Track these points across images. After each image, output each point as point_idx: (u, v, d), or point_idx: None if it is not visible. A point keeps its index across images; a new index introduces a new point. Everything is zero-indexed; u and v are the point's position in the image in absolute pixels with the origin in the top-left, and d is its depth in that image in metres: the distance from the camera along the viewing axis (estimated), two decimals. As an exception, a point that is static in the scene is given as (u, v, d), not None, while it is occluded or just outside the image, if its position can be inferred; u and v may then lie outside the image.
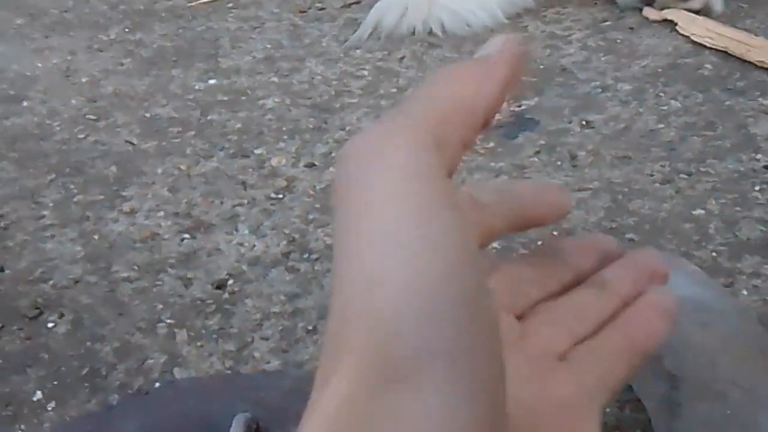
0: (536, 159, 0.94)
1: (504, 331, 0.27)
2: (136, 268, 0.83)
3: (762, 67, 1.06)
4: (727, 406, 0.57)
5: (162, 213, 0.90)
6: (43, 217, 0.91)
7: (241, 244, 0.85)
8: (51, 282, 0.82)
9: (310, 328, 0.75)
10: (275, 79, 1.13)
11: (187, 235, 0.87)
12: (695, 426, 0.56)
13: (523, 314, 0.33)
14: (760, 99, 1.00)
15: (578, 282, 0.35)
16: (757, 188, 0.87)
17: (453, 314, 0.23)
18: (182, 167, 0.97)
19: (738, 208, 0.84)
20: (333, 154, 0.97)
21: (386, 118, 0.28)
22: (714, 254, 0.79)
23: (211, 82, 1.14)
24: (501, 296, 0.32)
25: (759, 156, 0.91)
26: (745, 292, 0.75)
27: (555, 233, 0.83)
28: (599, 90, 1.05)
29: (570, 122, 0.99)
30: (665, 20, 1.16)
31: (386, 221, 0.24)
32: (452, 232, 0.24)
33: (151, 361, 0.73)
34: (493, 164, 0.93)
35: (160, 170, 0.97)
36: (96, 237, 0.87)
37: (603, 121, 0.99)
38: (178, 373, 0.71)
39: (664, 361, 0.60)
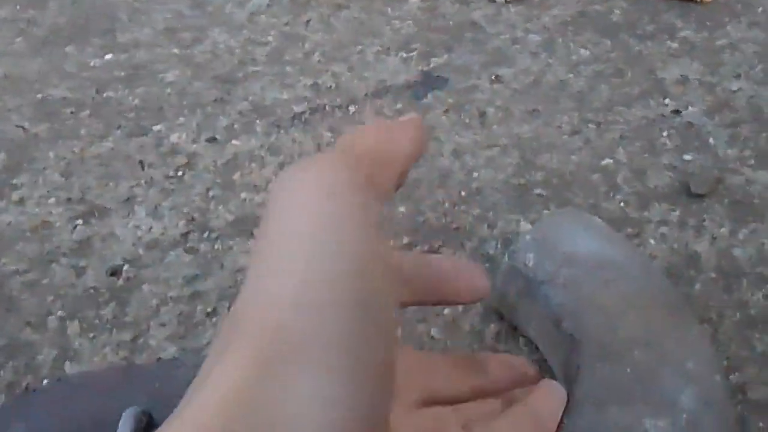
0: (445, 118, 0.91)
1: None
2: (25, 260, 0.78)
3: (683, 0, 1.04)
4: (627, 365, 0.55)
5: (53, 200, 0.85)
6: (-72, 212, 0.86)
7: (138, 227, 0.81)
8: (-65, 281, 0.78)
9: (210, 310, 0.71)
10: (176, 51, 1.08)
11: (80, 222, 0.82)
12: (595, 388, 0.55)
13: (424, 405, 0.35)
14: (668, 42, 0.98)
15: (487, 394, 0.38)
16: (665, 134, 0.85)
17: (346, 306, 0.24)
18: (75, 150, 0.92)
19: (646, 155, 0.83)
20: (235, 127, 0.93)
21: (309, 159, 0.30)
22: (622, 204, 0.77)
23: (108, 57, 1.08)
24: (414, 378, 0.35)
25: (667, 101, 0.89)
26: (652, 242, 0.74)
27: (463, 194, 0.80)
28: (509, 43, 1.02)
29: (480, 78, 0.97)
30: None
31: (298, 222, 0.26)
32: (359, 238, 0.26)
33: (40, 357, 0.69)
34: (400, 126, 0.90)
35: (52, 154, 0.92)
36: (-16, 230, 0.83)
37: (513, 76, 0.96)
38: (69, 368, 0.68)
39: (564, 323, 0.59)
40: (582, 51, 0.99)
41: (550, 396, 0.38)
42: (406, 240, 0.76)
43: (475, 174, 0.83)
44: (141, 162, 0.89)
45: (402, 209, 0.80)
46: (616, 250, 0.65)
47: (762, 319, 0.66)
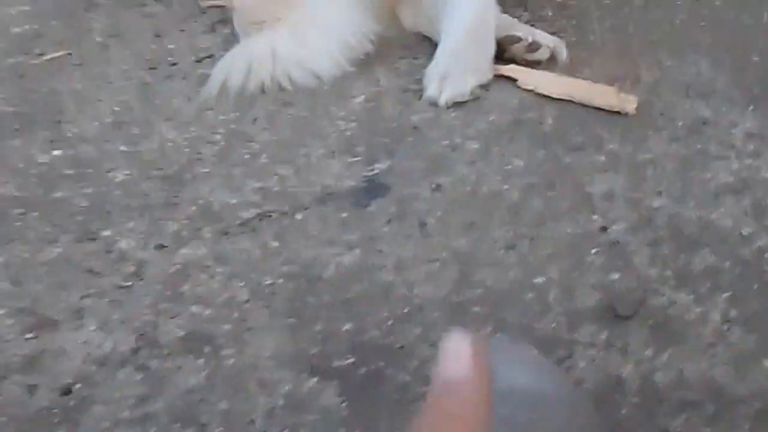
0: (387, 229, 0.95)
1: None
2: (-25, 377, 0.79)
3: (608, 111, 1.11)
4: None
5: (4, 311, 0.86)
6: None
7: (88, 343, 0.82)
8: None
9: (161, 434, 0.74)
10: (124, 148, 1.10)
11: (31, 335, 0.84)
12: None
13: None
14: (595, 156, 1.05)
15: None
16: (593, 251, 0.92)
17: None
18: (25, 255, 0.93)
19: (575, 273, 0.89)
20: (183, 234, 0.95)
21: None
22: (553, 325, 0.83)
23: (56, 153, 1.09)
24: None
25: (595, 216, 0.96)
26: (582, 364, 0.79)
27: (406, 310, 0.85)
28: (449, 149, 1.08)
29: (420, 187, 1.02)
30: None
31: None
32: None
33: (-8, 487, 0.70)
34: (345, 237, 0.94)
35: (1, 259, 0.93)
36: (-69, 343, 0.83)
37: (451, 184, 1.02)
38: (21, 498, 0.69)
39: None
40: (515, 161, 1.05)
41: None
42: (350, 359, 0.80)
43: (416, 290, 0.87)
44: (90, 270, 0.91)
45: (347, 327, 0.84)
46: (546, 382, 0.70)
47: (680, 443, 0.72)
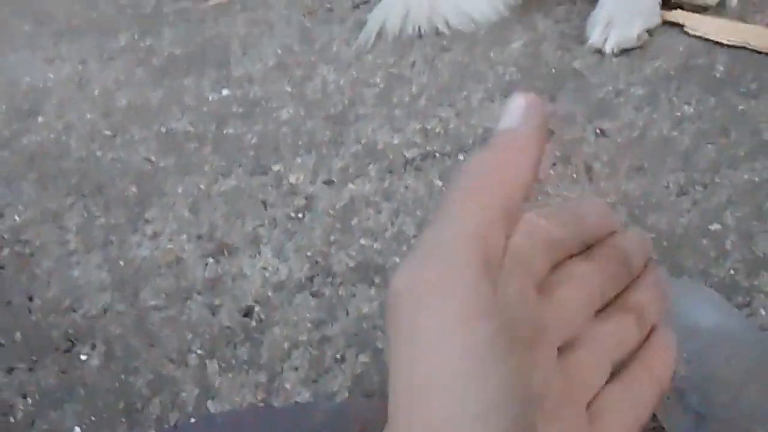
0: (552, 171, 0.94)
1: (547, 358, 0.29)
2: (163, 295, 0.84)
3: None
4: (751, 441, 0.59)
5: (185, 236, 0.91)
6: (68, 242, 0.93)
7: (265, 269, 0.86)
8: (81, 311, 0.84)
9: (339, 357, 0.76)
10: (288, 89, 1.13)
11: (211, 259, 0.88)
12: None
13: (554, 281, 0.32)
14: (773, 103, 1.00)
15: (590, 245, 0.34)
16: (772, 199, 0.88)
17: None
18: (202, 186, 0.98)
19: (755, 222, 0.85)
20: (350, 170, 0.97)
21: (431, 244, 0.28)
22: (732, 272, 0.80)
23: (225, 92, 1.14)
24: (540, 261, 0.31)
25: (773, 164, 0.92)
26: (763, 312, 0.77)
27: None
28: (613, 95, 1.05)
29: (585, 131, 1.00)
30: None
31: (440, 365, 0.26)
32: (504, 379, 0.26)
33: (184, 395, 0.75)
34: (509, 178, 0.94)
35: (180, 189, 0.98)
36: (121, 263, 0.89)
37: (617, 129, 1.00)
38: (211, 406, 0.73)
39: (689, 397, 0.62)
40: (686, 107, 1.01)
41: (666, 351, 0.35)
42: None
43: (586, 231, 0.86)
44: (264, 202, 0.95)
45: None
46: (732, 323, 0.68)
47: None
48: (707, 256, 0.82)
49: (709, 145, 0.95)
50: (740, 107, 1.00)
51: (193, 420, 0.72)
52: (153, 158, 1.03)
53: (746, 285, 0.79)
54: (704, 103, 1.02)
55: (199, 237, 0.91)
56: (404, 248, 0.87)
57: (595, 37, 1.12)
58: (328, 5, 1.32)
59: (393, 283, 0.28)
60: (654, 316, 0.35)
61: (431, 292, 0.27)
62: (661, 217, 0.87)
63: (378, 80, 1.13)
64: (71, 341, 0.81)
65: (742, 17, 1.16)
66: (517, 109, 0.30)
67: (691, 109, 1.01)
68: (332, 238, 0.89)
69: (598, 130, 1.00)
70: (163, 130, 1.08)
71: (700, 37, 1.13)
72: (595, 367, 0.32)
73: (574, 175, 0.94)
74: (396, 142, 1.02)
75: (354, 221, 0.91)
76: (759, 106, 1.00)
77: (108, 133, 1.09)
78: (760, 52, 1.09)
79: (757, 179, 0.90)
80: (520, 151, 0.30)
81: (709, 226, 0.85)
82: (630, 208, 0.88)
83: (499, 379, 0.26)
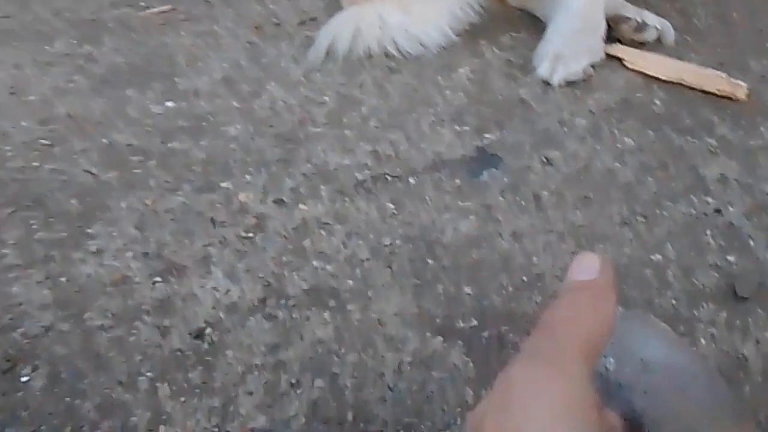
0: (502, 199, 0.96)
1: None
2: (109, 315, 0.82)
3: (716, 96, 1.11)
4: (702, 471, 0.61)
5: (131, 253, 0.89)
6: (5, 255, 0.89)
7: (216, 289, 0.85)
8: (20, 330, 0.81)
9: (294, 381, 0.76)
10: (236, 104, 1.12)
11: (159, 279, 0.86)
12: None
13: None
14: (706, 139, 1.05)
15: None
16: (709, 232, 0.92)
17: None
18: (147, 202, 0.95)
19: (693, 253, 0.89)
20: (302, 190, 0.97)
21: (543, 350, 0.35)
22: (674, 302, 0.84)
23: (169, 104, 1.11)
24: None
25: (710, 199, 0.96)
26: (703, 341, 0.80)
27: (525, 279, 0.86)
28: (558, 125, 1.08)
29: (531, 159, 1.02)
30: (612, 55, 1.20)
31: None
32: None
33: (134, 419, 0.72)
34: (460, 204, 0.95)
35: (124, 204, 0.95)
36: (64, 280, 0.86)
37: (563, 159, 1.02)
38: (164, 432, 0.72)
39: (645, 429, 0.64)
40: (627, 140, 1.05)
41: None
42: (474, 322, 0.81)
43: (535, 259, 0.88)
44: (212, 219, 0.93)
45: (467, 291, 0.85)
46: (682, 355, 0.71)
47: (805, 425, 0.72)
48: (650, 287, 0.85)
49: (649, 178, 0.99)
50: (677, 143, 1.05)
51: (145, 447, 0.70)
52: (95, 171, 1.00)
53: (687, 315, 0.82)
54: (644, 136, 1.06)
55: (146, 255, 0.89)
56: (357, 272, 0.87)
57: (542, 70, 1.15)
58: (275, 20, 1.31)
59: (501, 379, 0.34)
60: None
61: (542, 383, 0.33)
62: (607, 246, 0.90)
63: (327, 99, 1.13)
64: (11, 362, 0.77)
65: (678, 55, 1.22)
66: (592, 264, 0.38)
67: (632, 142, 1.05)
68: (284, 259, 0.88)
69: (544, 158, 1.03)
70: (106, 141, 1.05)
71: (638, 72, 1.18)
72: None
73: (524, 203, 0.96)
74: (347, 162, 1.02)
75: (306, 242, 0.90)
76: (695, 141, 1.05)
77: (46, 142, 1.05)
78: (694, 89, 1.14)
79: (694, 212, 0.94)
80: (605, 300, 0.37)
81: (651, 257, 0.89)
82: (577, 238, 0.91)
83: None
